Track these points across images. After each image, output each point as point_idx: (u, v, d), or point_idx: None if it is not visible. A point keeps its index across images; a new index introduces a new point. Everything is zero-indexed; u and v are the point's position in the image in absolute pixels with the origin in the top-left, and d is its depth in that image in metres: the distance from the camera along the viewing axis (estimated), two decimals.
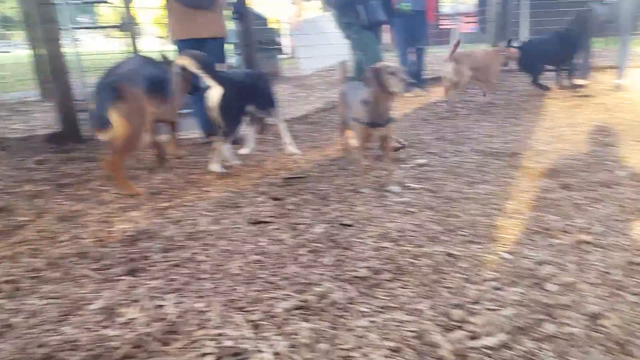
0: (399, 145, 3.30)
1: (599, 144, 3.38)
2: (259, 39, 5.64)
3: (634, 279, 1.60)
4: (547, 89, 5.44)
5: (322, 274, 1.70)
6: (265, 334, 1.38)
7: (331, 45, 5.87)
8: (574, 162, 2.95)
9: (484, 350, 1.28)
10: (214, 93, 2.77)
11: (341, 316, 1.47)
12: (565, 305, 1.46)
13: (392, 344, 1.31)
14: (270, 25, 13.29)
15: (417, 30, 5.01)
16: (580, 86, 5.51)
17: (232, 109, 2.86)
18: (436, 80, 5.92)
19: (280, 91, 5.99)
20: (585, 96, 5.13)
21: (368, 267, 1.73)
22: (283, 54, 6.52)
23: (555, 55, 5.38)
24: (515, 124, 4.11)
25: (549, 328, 1.36)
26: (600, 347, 1.27)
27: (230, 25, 4.54)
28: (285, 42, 9.81)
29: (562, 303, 1.48)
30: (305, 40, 6.14)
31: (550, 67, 5.67)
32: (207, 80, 2.76)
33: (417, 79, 5.48)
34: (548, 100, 5.06)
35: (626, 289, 1.55)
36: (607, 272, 1.65)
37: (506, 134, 3.78)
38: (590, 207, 2.25)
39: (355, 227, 2.08)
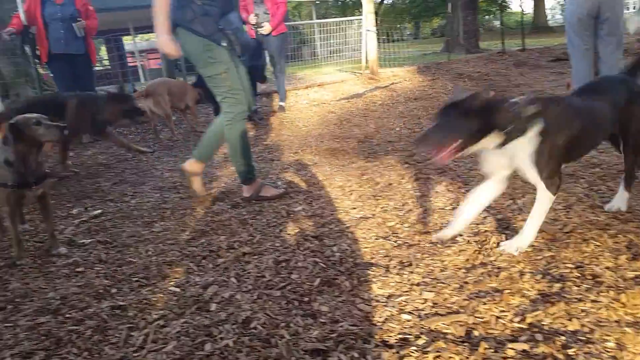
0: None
1: (265, 160, 3.90)
2: None
3: (280, 276, 1.89)
4: None
5: None
6: None
7: None
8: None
9: None
10: None
11: None
12: (222, 321, 1.60)
13: None
14: None
15: (81, 74, 4.73)
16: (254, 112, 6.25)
17: None
18: None
19: None
20: (260, 119, 5.82)
21: (16, 354, 1.50)
22: None
23: None
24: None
25: (208, 348, 1.46)
26: (246, 349, 1.43)
27: None
28: None
29: (220, 319, 1.61)
30: None
31: None
32: None
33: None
34: None
35: (274, 286, 1.81)
36: (261, 276, 1.89)
37: None
38: (253, 219, 2.54)
39: (6, 311, 1.78)
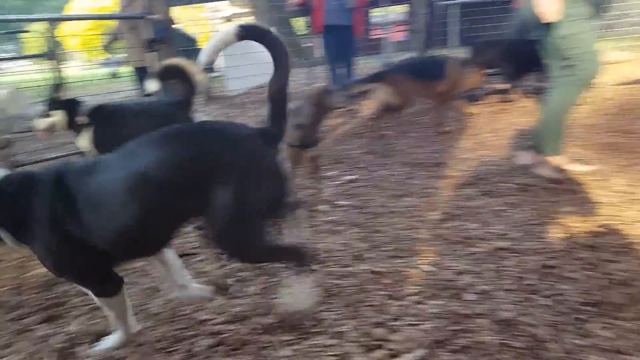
0: None
1: (519, 148, 3.55)
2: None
3: (547, 282, 1.68)
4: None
5: (244, 304, 1.67)
6: None
7: (259, 65, 5.94)
8: (495, 167, 3.09)
9: None
10: None
11: (264, 348, 1.44)
12: (479, 314, 1.51)
13: None
14: (200, 46, 13.23)
15: (344, 45, 5.11)
16: (504, 91, 5.77)
17: None
18: (366, 92, 6.03)
19: (211, 112, 5.92)
20: (509, 101, 5.38)
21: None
22: (213, 73, 6.49)
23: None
24: (441, 132, 4.26)
25: (465, 338, 1.40)
26: (510, 353, 1.32)
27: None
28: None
29: (477, 312, 1.53)
30: (234, 60, 6.16)
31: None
32: None
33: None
34: (473, 107, 5.25)
35: (539, 292, 1.63)
36: (522, 277, 1.73)
37: (433, 143, 3.91)
38: (508, 212, 2.35)
39: None
